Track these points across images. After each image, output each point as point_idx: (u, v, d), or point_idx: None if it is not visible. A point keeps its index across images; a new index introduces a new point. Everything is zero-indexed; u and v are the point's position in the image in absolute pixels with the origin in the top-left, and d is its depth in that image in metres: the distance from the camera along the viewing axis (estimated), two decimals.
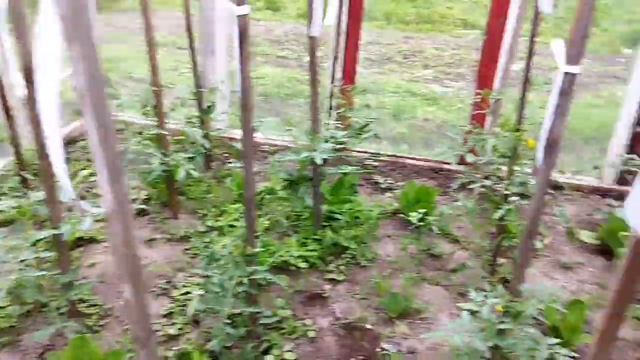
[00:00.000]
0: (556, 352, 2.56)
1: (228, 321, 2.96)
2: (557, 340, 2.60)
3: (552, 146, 2.29)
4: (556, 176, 5.15)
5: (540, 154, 2.38)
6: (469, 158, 3.89)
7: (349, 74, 5.40)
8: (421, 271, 4.05)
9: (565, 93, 2.21)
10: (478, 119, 4.82)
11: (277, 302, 3.60)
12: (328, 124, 4.41)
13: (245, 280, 2.95)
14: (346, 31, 5.23)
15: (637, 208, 1.62)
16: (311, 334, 3.45)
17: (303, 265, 3.97)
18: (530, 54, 3.28)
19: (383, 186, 5.24)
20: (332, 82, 4.90)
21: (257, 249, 3.02)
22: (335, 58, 5.26)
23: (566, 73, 2.19)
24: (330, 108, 4.90)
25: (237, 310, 2.98)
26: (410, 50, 10.63)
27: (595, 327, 3.34)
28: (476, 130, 4.12)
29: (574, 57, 2.15)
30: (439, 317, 3.64)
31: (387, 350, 3.34)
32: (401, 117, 7.55)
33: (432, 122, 7.48)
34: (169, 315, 3.52)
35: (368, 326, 3.55)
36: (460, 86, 8.81)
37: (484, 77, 4.95)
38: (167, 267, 3.97)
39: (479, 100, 4.28)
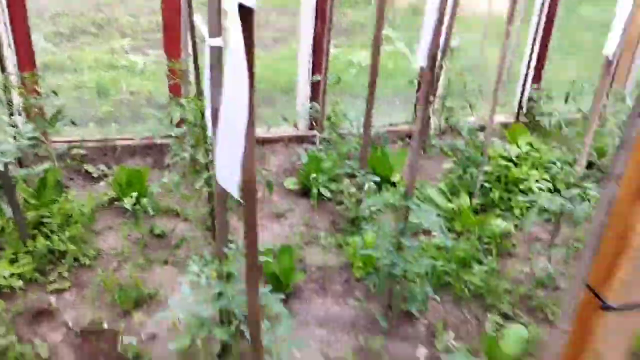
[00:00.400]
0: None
1: None
2: (269, 288, 2.95)
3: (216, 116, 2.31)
4: (260, 131, 5.63)
5: (209, 123, 2.52)
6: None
7: (25, 57, 4.81)
8: (147, 255, 4.10)
9: (215, 67, 2.28)
10: (173, 90, 4.91)
11: None
12: (11, 118, 4.02)
13: None
14: (7, 5, 4.53)
15: (222, 167, 1.90)
16: (44, 354, 3.27)
17: (18, 283, 3.67)
18: (192, 25, 3.49)
19: (95, 175, 5.04)
20: (3, 71, 4.34)
21: None
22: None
23: (212, 46, 2.26)
24: (10, 102, 4.39)
25: None
26: (104, 19, 10.04)
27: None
28: (173, 100, 4.25)
29: (214, 31, 2.21)
30: (173, 296, 3.79)
31: (127, 344, 3.37)
32: (106, 95, 7.21)
33: (139, 95, 7.32)
34: None
35: (105, 326, 3.51)
36: (162, 53, 8.73)
37: (171, 48, 5.00)
38: None
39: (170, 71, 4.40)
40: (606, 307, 1.52)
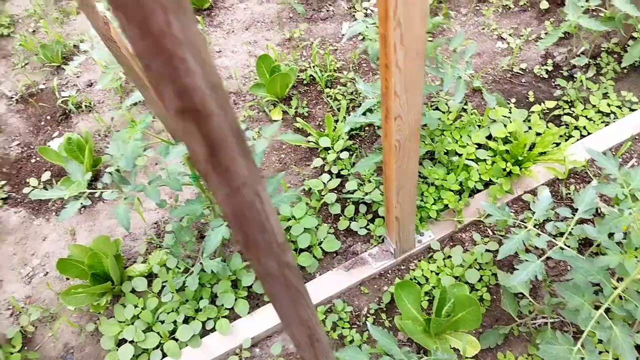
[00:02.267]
0: None
1: None
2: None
3: None
4: None
5: None
6: None
7: None
8: (61, 8, 3.93)
9: None
10: None
11: None
12: None
13: None
14: None
15: None
16: None
17: None
18: None
19: None
20: None
21: None
22: None
23: None
24: None
25: None
26: None
27: None
28: None
29: None
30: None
31: (66, 96, 3.47)
32: None
33: None
34: None
35: (41, 87, 3.58)
36: None
37: None
38: None
39: None
40: None
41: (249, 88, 3.14)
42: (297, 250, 2.51)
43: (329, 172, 2.78)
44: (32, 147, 3.30)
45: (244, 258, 2.55)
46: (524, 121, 2.81)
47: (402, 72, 1.48)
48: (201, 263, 2.38)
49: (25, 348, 2.52)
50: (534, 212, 2.37)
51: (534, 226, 2.42)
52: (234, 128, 0.51)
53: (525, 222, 2.06)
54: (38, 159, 3.22)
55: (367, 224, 2.58)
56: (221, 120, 0.49)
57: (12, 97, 3.56)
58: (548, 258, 2.34)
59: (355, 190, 2.66)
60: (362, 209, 2.62)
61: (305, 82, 3.22)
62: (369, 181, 2.67)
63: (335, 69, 3.22)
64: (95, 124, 3.29)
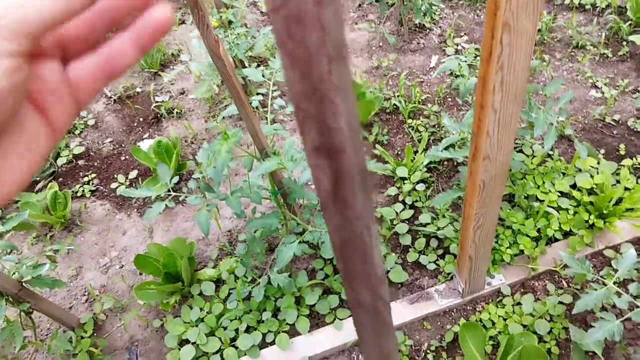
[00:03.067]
0: None
1: None
2: None
3: None
4: None
5: None
6: None
7: None
8: None
9: None
10: None
11: None
12: None
13: None
14: None
15: None
16: (91, 122, 3.66)
17: None
18: None
19: None
20: None
21: None
22: None
23: None
24: None
25: None
26: None
27: None
28: None
29: None
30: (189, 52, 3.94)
31: (160, 102, 3.67)
32: None
33: None
34: None
35: (138, 90, 3.81)
36: None
37: None
38: None
39: None
40: None
41: None
42: None
43: (403, 202, 2.78)
44: (123, 145, 3.50)
45: (310, 277, 2.59)
46: (613, 174, 2.71)
47: (498, 113, 1.48)
48: (269, 275, 2.44)
49: (95, 334, 2.66)
50: (615, 270, 2.27)
51: (615, 284, 2.31)
52: (361, 166, 0.55)
53: (604, 279, 1.98)
54: (127, 157, 3.42)
55: (437, 259, 2.56)
56: (352, 159, 0.52)
57: (111, 97, 3.80)
58: (627, 319, 2.23)
59: (429, 224, 2.64)
60: (433, 243, 2.60)
61: (388, 110, 3.25)
62: (444, 216, 2.65)
63: (420, 100, 3.23)
64: (183, 130, 3.45)
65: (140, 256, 2.53)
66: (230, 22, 2.86)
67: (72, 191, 3.26)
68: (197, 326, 2.48)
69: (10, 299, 2.22)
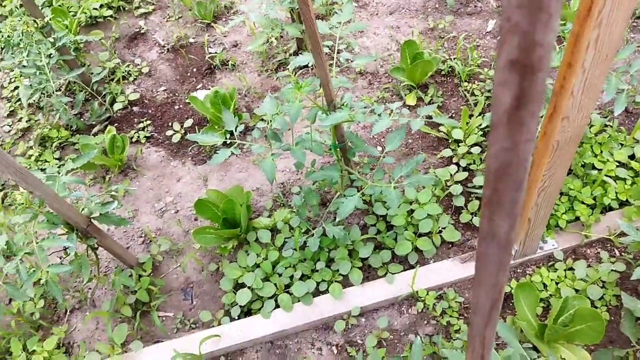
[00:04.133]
0: None
1: (59, 93, 3.16)
2: None
3: None
4: None
5: None
6: None
7: None
8: None
9: None
10: None
11: (101, 56, 3.75)
12: None
13: (52, 51, 3.05)
14: None
15: None
16: (145, 69, 3.72)
17: (108, 12, 4.00)
18: None
19: None
20: None
21: (46, 18, 3.04)
22: None
23: None
24: None
25: (63, 80, 3.16)
26: None
27: None
28: None
29: None
30: (245, 4, 3.94)
31: (213, 53, 3.70)
32: None
33: None
34: (11, 113, 3.66)
35: (191, 41, 3.84)
36: None
37: None
38: None
39: None
40: None
41: (390, 70, 3.20)
42: (416, 234, 2.57)
43: (457, 164, 2.81)
44: (176, 94, 3.55)
45: (362, 232, 2.65)
46: None
47: (586, 73, 1.48)
48: (323, 227, 2.50)
49: (152, 274, 2.77)
50: None
51: None
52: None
53: None
54: (181, 106, 3.47)
55: None
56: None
57: (164, 46, 3.84)
58: None
59: (481, 187, 2.67)
60: None
61: (443, 72, 3.24)
62: None
63: (477, 64, 3.21)
64: (236, 82, 3.48)
65: (200, 200, 2.61)
66: None
67: (128, 137, 3.33)
68: (253, 271, 2.56)
69: (79, 233, 2.32)
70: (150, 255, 2.79)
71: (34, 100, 3.51)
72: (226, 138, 2.91)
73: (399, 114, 2.15)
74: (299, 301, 2.46)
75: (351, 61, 3.04)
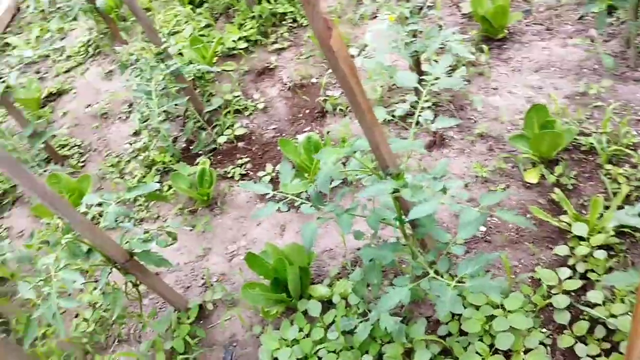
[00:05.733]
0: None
1: (162, 118, 3.19)
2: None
3: None
4: None
5: None
6: None
7: None
8: (359, 9, 3.98)
9: None
10: None
11: (224, 87, 3.76)
12: None
13: (161, 77, 3.09)
14: None
15: None
16: (261, 105, 3.63)
17: (244, 45, 4.02)
18: None
19: None
20: None
21: (163, 46, 3.09)
22: None
23: None
24: None
25: (166, 107, 3.18)
26: None
27: None
28: None
29: None
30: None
31: (329, 96, 3.48)
32: None
33: None
34: (136, 133, 3.82)
35: (313, 81, 3.67)
36: None
37: None
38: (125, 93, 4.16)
39: None
40: None
41: (508, 138, 2.67)
42: (492, 348, 2.00)
43: (572, 268, 2.17)
44: (283, 134, 3.39)
45: (433, 327, 2.15)
46: None
47: None
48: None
49: (201, 322, 2.57)
50: None
51: None
52: None
53: None
54: None
55: (599, 354, 1.93)
56: None
57: (286, 84, 3.72)
58: None
59: (599, 305, 2.01)
60: (599, 332, 1.97)
61: (582, 148, 2.61)
62: (622, 301, 1.99)
63: (630, 144, 2.52)
64: (343, 129, 3.21)
65: (251, 255, 2.36)
66: (406, 18, 2.52)
67: (225, 171, 3.24)
68: (291, 347, 2.22)
69: (118, 266, 2.20)
70: (202, 301, 2.60)
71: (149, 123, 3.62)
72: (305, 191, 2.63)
73: (454, 197, 1.68)
74: None
75: (431, 122, 2.57)
